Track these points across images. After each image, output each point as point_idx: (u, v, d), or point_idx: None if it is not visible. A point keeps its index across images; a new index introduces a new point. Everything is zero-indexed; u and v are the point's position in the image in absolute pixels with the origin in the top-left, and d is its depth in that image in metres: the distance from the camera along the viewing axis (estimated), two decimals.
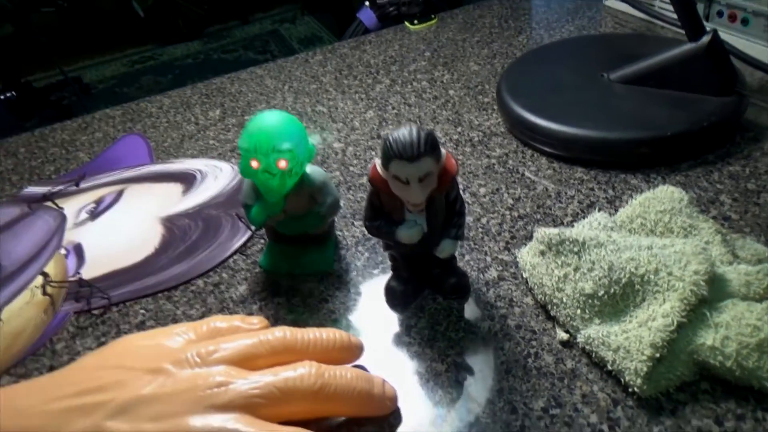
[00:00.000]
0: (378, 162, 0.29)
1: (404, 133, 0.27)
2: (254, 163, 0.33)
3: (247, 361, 0.28)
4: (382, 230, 0.31)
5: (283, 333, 0.29)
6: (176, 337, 0.29)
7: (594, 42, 0.56)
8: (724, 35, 0.49)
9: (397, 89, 0.58)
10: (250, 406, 0.25)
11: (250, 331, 0.30)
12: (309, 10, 3.23)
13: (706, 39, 0.42)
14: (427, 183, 0.28)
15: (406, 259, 0.33)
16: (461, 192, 0.31)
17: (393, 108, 0.55)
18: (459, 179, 0.44)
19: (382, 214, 0.31)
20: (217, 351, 0.28)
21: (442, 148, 0.29)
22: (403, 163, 0.27)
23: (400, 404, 0.29)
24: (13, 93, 2.25)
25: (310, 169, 0.36)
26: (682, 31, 0.44)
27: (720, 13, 0.54)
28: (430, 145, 0.27)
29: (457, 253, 0.37)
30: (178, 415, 0.25)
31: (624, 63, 0.47)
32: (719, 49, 0.42)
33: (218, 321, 0.31)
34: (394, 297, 0.34)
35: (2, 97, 2.22)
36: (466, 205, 0.41)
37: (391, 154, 0.27)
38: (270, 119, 0.33)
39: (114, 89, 2.83)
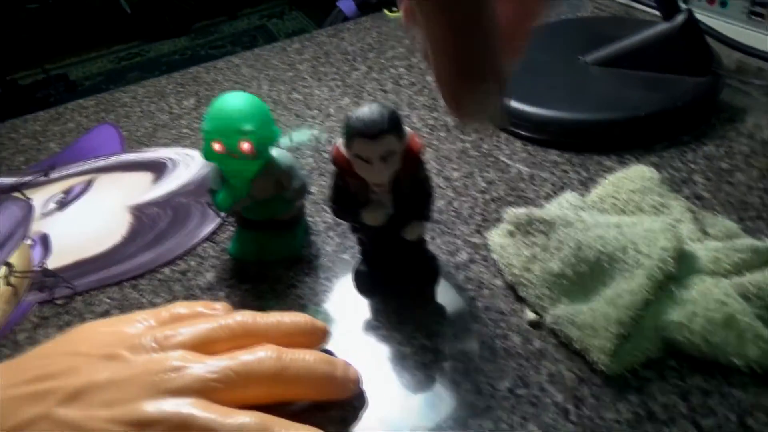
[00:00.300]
0: (341, 142, 0.28)
1: (366, 111, 0.27)
2: (217, 146, 0.32)
3: (205, 346, 0.27)
4: (347, 212, 0.31)
5: (243, 317, 0.28)
6: (136, 323, 0.29)
7: (571, 25, 0.56)
8: (702, 17, 0.48)
9: (374, 76, 0.57)
10: (206, 390, 0.25)
11: (211, 316, 0.29)
12: (296, 5, 3.22)
13: (680, 18, 0.42)
14: (390, 162, 0.27)
15: (374, 243, 0.33)
16: (429, 174, 0.30)
17: (369, 95, 0.54)
18: (433, 164, 0.43)
19: (347, 195, 0.31)
20: (175, 336, 0.27)
21: (406, 128, 0.28)
22: (364, 141, 0.26)
23: (366, 387, 0.28)
24: None
25: (276, 152, 0.35)
26: (658, 12, 0.43)
27: None
28: (392, 123, 0.27)
29: (427, 236, 0.36)
30: (131, 401, 0.24)
31: (600, 45, 0.46)
32: (694, 29, 0.42)
33: (180, 307, 0.30)
34: (363, 282, 0.33)
35: None
36: (439, 189, 0.40)
37: (353, 132, 0.27)
38: (232, 101, 0.32)
39: (100, 86, 2.80)
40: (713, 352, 0.25)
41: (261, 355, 0.26)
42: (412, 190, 0.30)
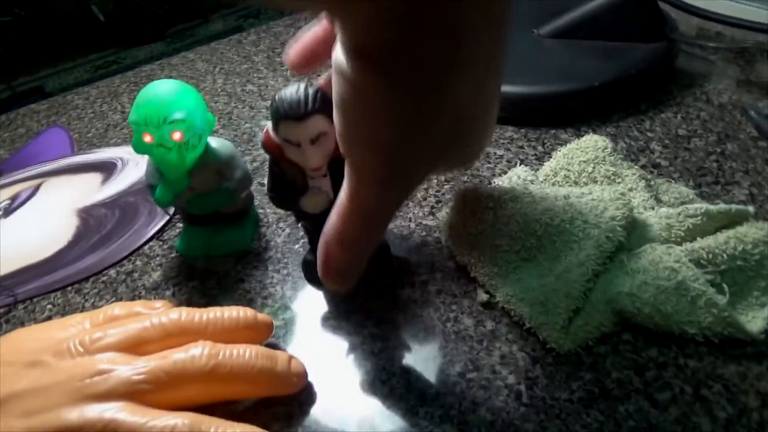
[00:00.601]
0: (270, 126, 0.26)
1: (291, 91, 0.25)
2: (147, 138, 0.30)
3: (137, 347, 0.25)
4: (285, 200, 0.29)
5: (178, 314, 0.27)
6: (69, 328, 0.27)
7: None
8: None
9: (330, 63, 0.55)
10: (134, 393, 0.23)
11: (147, 315, 0.28)
12: (272, 4, 3.18)
13: None
14: (323, 145, 0.26)
15: (319, 230, 0.31)
16: None
17: None
18: None
19: (284, 183, 0.29)
20: (103, 338, 0.25)
21: None
22: (291, 123, 0.25)
23: (313, 381, 0.27)
24: None
25: (215, 142, 0.33)
26: None
27: None
28: (319, 102, 0.25)
29: None
30: (51, 409, 0.23)
31: (554, 18, 0.45)
32: None
33: (117, 308, 0.28)
34: (311, 271, 0.32)
35: None
36: None
37: (279, 114, 0.25)
38: (160, 89, 0.30)
39: None
40: (666, 322, 0.24)
41: (194, 352, 0.25)
42: None
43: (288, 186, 0.29)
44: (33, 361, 0.25)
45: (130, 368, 0.24)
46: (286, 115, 0.25)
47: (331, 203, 0.28)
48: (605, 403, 0.24)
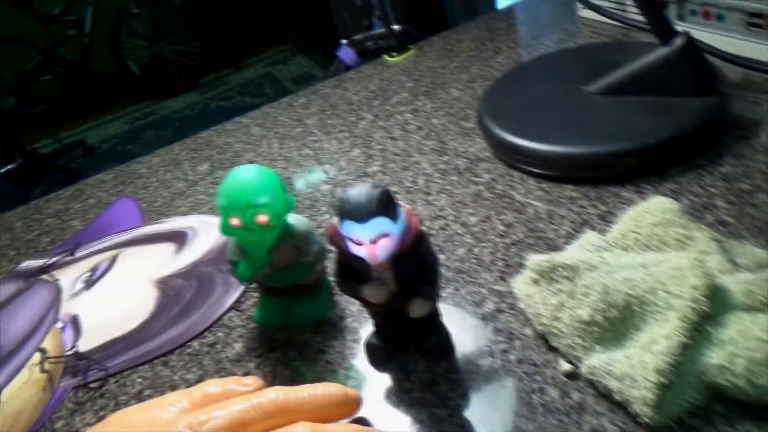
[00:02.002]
0: (336, 220, 0.27)
1: (355, 192, 0.26)
2: (234, 221, 0.32)
3: (240, 428, 0.27)
4: (350, 288, 0.30)
5: (275, 394, 0.28)
6: (169, 407, 0.29)
7: (571, 55, 0.56)
8: (700, 34, 0.48)
9: (381, 124, 0.58)
10: None
11: (244, 394, 0.29)
12: (299, 49, 3.30)
13: (678, 41, 0.42)
14: (384, 243, 0.26)
15: (382, 317, 0.32)
16: (431, 250, 0.29)
17: (378, 144, 0.55)
18: (448, 210, 0.43)
19: (350, 270, 0.30)
20: (210, 420, 0.27)
21: (404, 204, 0.28)
22: (353, 224, 0.26)
23: None
24: (18, 163, 2.30)
25: (292, 218, 0.35)
26: None
27: (694, 12, 0.54)
28: (383, 205, 0.26)
29: (451, 290, 0.36)
30: None
31: (602, 74, 0.46)
32: (693, 50, 0.42)
33: (211, 386, 0.30)
34: (374, 355, 0.33)
35: (3, 170, 2.27)
36: (457, 236, 0.40)
37: (342, 214, 0.26)
38: (244, 174, 0.33)
39: (117, 147, 2.89)
40: (760, 395, 0.24)
41: None
42: (415, 268, 0.29)
43: (353, 274, 0.30)
44: None
45: None
46: (349, 215, 0.26)
47: (394, 295, 0.29)
48: None
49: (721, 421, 0.25)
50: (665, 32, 0.42)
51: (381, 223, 0.26)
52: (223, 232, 0.33)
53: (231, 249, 0.36)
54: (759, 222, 0.34)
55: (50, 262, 0.52)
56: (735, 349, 0.25)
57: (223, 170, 0.58)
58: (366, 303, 0.31)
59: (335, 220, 0.27)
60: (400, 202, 0.28)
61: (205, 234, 0.49)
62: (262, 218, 0.32)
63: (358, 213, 0.26)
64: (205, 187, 0.56)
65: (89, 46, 2.94)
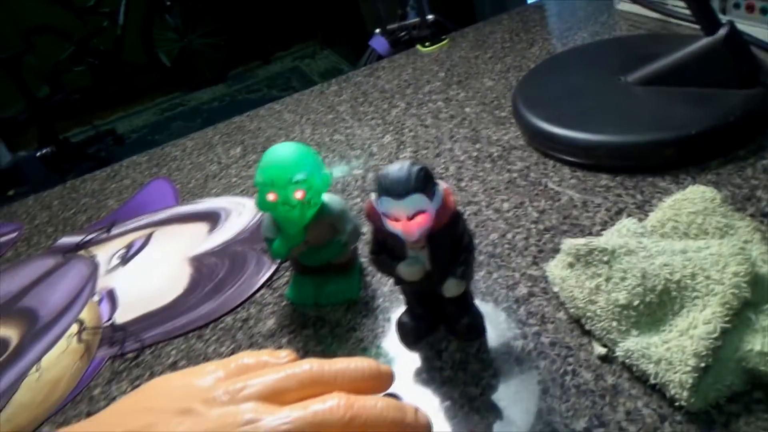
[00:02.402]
0: (374, 197, 0.28)
1: (395, 169, 0.26)
2: (271, 197, 0.33)
3: (275, 396, 0.27)
4: (384, 265, 0.30)
5: (310, 365, 0.29)
6: (206, 376, 0.29)
7: (608, 46, 0.55)
8: (744, 26, 0.47)
9: (413, 112, 0.58)
10: None
11: (278, 365, 0.30)
12: (327, 43, 3.31)
13: (722, 32, 0.41)
14: (421, 220, 0.27)
15: (415, 295, 0.32)
16: (468, 230, 0.29)
17: (410, 131, 0.55)
18: (481, 196, 0.43)
19: (385, 248, 0.30)
20: (246, 388, 0.27)
21: (442, 182, 0.28)
22: (392, 200, 0.26)
23: None
24: (51, 150, 2.36)
25: (327, 198, 0.36)
26: (698, 26, 0.43)
27: (737, 5, 0.52)
28: (421, 182, 0.26)
29: (484, 272, 0.36)
30: None
31: (641, 64, 0.46)
32: (738, 41, 0.41)
33: (246, 357, 0.31)
34: (405, 333, 0.33)
35: (39, 154, 2.33)
36: (490, 222, 0.40)
37: (381, 190, 0.26)
38: (283, 151, 0.33)
39: (146, 137, 2.94)
40: None
41: (331, 403, 0.26)
42: (450, 247, 0.29)
43: (388, 251, 0.30)
44: (183, 409, 0.27)
45: (275, 418, 0.25)
46: (387, 191, 0.26)
47: (428, 274, 0.29)
48: None
49: (759, 407, 0.25)
50: (710, 22, 0.41)
51: (418, 200, 0.26)
52: (260, 207, 0.34)
53: (266, 226, 0.36)
54: None
55: (87, 238, 0.53)
56: None
57: (256, 154, 0.58)
58: (399, 281, 0.31)
59: (372, 196, 0.28)
60: (439, 181, 0.28)
61: (238, 214, 0.49)
62: (300, 194, 0.33)
63: (397, 189, 0.26)
64: (238, 169, 0.57)
65: (121, 37, 3.00)
